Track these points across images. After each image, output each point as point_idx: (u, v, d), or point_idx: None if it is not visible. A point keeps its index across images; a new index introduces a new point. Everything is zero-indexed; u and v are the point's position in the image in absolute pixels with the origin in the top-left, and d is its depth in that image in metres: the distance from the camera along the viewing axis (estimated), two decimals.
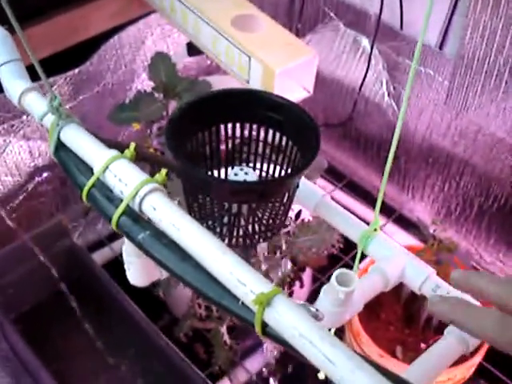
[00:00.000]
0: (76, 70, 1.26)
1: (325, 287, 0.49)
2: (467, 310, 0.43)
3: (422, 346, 1.14)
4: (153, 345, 1.19)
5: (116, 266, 1.41)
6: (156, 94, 1.16)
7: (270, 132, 0.59)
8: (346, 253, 1.34)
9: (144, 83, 1.41)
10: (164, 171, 0.48)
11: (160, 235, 0.46)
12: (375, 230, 0.58)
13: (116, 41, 1.32)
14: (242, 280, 0.40)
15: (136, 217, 0.48)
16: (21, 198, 1.33)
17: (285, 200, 0.54)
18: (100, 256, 1.45)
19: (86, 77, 1.29)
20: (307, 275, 1.35)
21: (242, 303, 0.41)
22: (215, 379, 1.23)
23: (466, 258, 1.26)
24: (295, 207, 1.14)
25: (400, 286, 1.13)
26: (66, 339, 1.30)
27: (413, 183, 1.55)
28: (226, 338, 1.12)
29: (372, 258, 0.59)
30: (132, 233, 0.47)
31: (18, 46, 0.68)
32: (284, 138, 0.58)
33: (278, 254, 1.08)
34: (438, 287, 0.55)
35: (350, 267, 1.45)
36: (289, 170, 0.59)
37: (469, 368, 1.10)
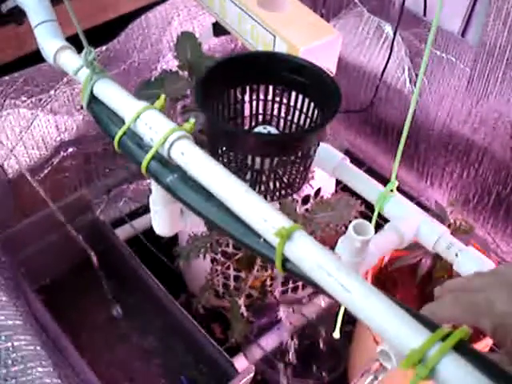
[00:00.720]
0: (103, 47, 1.29)
1: (342, 238, 0.51)
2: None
3: None
4: (173, 318, 1.21)
5: (136, 243, 1.44)
6: (181, 73, 1.18)
7: (293, 94, 0.61)
8: None
9: (169, 63, 1.44)
10: (192, 120, 0.50)
11: (187, 178, 0.49)
12: (391, 191, 0.60)
13: (143, 20, 1.35)
14: (264, 216, 0.42)
15: (165, 161, 0.51)
16: (46, 171, 1.37)
17: (304, 157, 0.57)
18: (121, 233, 1.48)
19: (112, 54, 1.32)
20: None
21: (264, 240, 0.43)
22: (231, 355, 1.25)
23: (483, 242, 1.27)
24: (314, 184, 1.16)
25: (415, 266, 1.15)
26: (87, 312, 1.33)
27: (431, 170, 1.56)
28: (243, 309, 1.14)
29: (388, 217, 0.61)
30: (161, 176, 0.50)
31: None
32: (306, 100, 0.60)
33: None
34: (452, 245, 0.56)
35: None
36: None
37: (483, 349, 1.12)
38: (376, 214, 0.60)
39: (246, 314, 1.14)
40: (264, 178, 0.57)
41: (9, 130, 1.25)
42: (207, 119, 0.55)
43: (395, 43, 1.44)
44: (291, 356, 1.31)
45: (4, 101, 1.21)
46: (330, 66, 1.09)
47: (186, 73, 1.18)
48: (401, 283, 1.20)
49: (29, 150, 1.30)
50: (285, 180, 0.58)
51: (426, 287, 1.17)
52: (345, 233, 1.11)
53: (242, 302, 1.14)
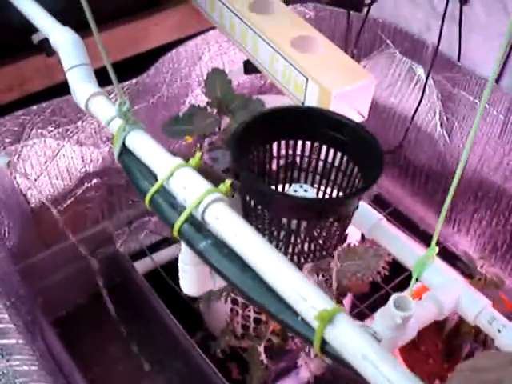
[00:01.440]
0: (133, 81, 1.28)
1: (381, 310, 0.48)
2: None
3: None
4: (189, 359, 1.19)
5: (156, 276, 1.41)
6: (209, 109, 1.17)
7: (331, 151, 0.59)
8: (386, 281, 1.32)
9: (198, 98, 1.43)
10: (228, 182, 0.48)
11: (221, 245, 0.46)
12: (432, 257, 0.57)
13: (174, 54, 1.35)
14: (304, 295, 0.40)
15: (198, 225, 0.48)
16: (69, 201, 1.36)
17: (344, 220, 0.54)
18: (141, 266, 1.46)
19: (142, 88, 1.31)
20: (347, 301, 1.34)
21: (302, 319, 0.40)
22: None
23: None
24: None
25: (443, 319, 1.11)
26: (102, 345, 1.31)
27: (460, 216, 1.53)
28: (263, 357, 1.11)
29: (426, 285, 0.58)
30: (194, 241, 0.47)
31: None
32: (345, 158, 0.58)
33: (320, 276, 1.07)
34: (494, 319, 0.53)
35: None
36: (347, 190, 0.58)
37: None
38: (413, 282, 0.57)
39: (265, 361, 1.11)
40: (299, 240, 0.54)
41: (34, 160, 1.24)
42: (242, 177, 0.53)
43: (427, 86, 1.42)
44: None
45: (31, 130, 1.20)
46: (362, 109, 1.07)
47: (214, 110, 1.16)
48: (427, 336, 1.16)
49: (53, 180, 1.29)
50: (320, 242, 0.56)
51: (453, 341, 1.13)
52: (371, 282, 1.09)
53: (261, 348, 1.11)
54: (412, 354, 1.13)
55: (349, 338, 0.37)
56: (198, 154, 0.51)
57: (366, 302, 1.42)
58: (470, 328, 1.09)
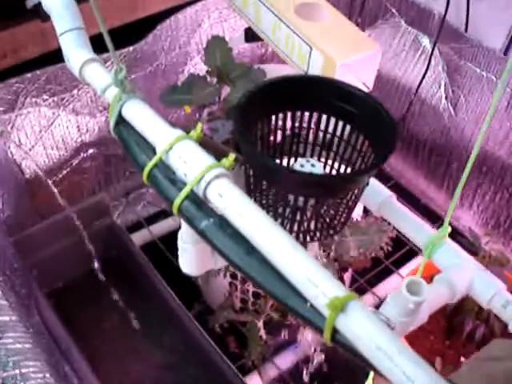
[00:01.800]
0: (130, 48, 1.25)
1: (392, 295, 0.45)
2: None
3: (462, 359, 1.10)
4: (185, 332, 1.17)
5: (153, 248, 1.39)
6: (209, 78, 1.13)
7: (340, 124, 0.56)
8: (389, 256, 1.30)
9: (197, 67, 1.39)
10: (232, 156, 0.45)
11: (224, 224, 0.43)
12: (443, 236, 0.54)
13: (172, 21, 1.30)
14: (314, 280, 0.37)
15: (200, 203, 0.45)
16: (64, 172, 1.33)
17: (353, 197, 0.51)
18: (138, 238, 1.44)
19: (139, 55, 1.27)
20: (347, 276, 1.32)
21: (311, 305, 0.38)
22: (245, 373, 1.20)
23: None
24: None
25: None
26: (99, 318, 1.29)
27: (463, 191, 1.50)
28: (262, 332, 1.09)
29: (438, 266, 0.55)
30: (195, 219, 0.44)
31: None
32: (355, 131, 0.55)
33: (321, 251, 1.05)
34: (509, 304, 0.51)
35: (391, 271, 1.41)
36: (357, 166, 0.55)
37: None
38: (424, 262, 0.55)
39: (264, 336, 1.09)
40: (305, 218, 0.51)
41: (28, 129, 1.21)
42: (247, 151, 0.50)
43: (433, 57, 1.38)
44: (307, 377, 1.26)
45: (25, 99, 1.17)
46: (367, 80, 1.04)
47: (214, 79, 1.13)
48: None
49: (48, 150, 1.26)
50: (327, 220, 0.53)
51: (455, 319, 1.11)
52: (374, 258, 1.07)
53: (261, 323, 1.09)
54: (413, 330, 1.11)
55: (362, 328, 0.34)
56: (199, 125, 0.48)
57: (365, 277, 1.40)
58: (473, 305, 1.07)
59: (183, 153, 0.46)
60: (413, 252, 1.33)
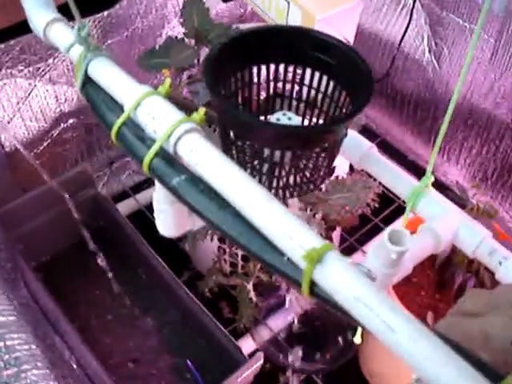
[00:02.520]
0: (105, 13, 1.22)
1: (374, 245, 0.44)
2: None
3: None
4: (176, 299, 1.17)
5: (140, 217, 1.38)
6: (187, 40, 1.11)
7: (317, 75, 0.54)
8: (375, 213, 1.29)
9: (175, 30, 1.36)
10: (203, 110, 0.43)
11: (197, 180, 0.42)
12: (426, 187, 0.53)
13: None
14: (290, 232, 0.35)
15: (170, 159, 0.43)
16: (45, 144, 1.31)
17: (331, 149, 0.50)
18: (124, 207, 1.42)
19: (114, 20, 1.24)
20: (336, 235, 1.31)
21: (288, 259, 0.36)
22: (238, 336, 1.20)
23: (505, 224, 1.21)
24: None
25: None
26: (86, 289, 1.28)
27: (449, 145, 1.49)
28: (252, 295, 1.08)
29: (422, 216, 0.54)
30: (166, 177, 0.43)
31: None
32: (332, 82, 0.53)
33: (308, 210, 1.03)
34: (494, 251, 0.50)
35: (380, 229, 1.40)
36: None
37: None
38: (407, 212, 0.54)
39: (254, 299, 1.09)
40: (283, 173, 0.50)
41: (5, 102, 1.18)
42: (218, 104, 0.48)
43: (414, 10, 1.36)
44: (299, 338, 1.26)
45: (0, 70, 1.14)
46: (347, 35, 1.02)
47: (192, 41, 1.10)
48: (418, 267, 1.13)
49: (27, 122, 1.24)
50: (307, 174, 0.51)
51: (445, 272, 1.11)
52: (363, 217, 1.06)
53: (250, 286, 1.08)
54: (403, 286, 1.11)
55: (340, 279, 0.33)
56: (168, 80, 0.46)
57: (354, 235, 1.40)
58: (463, 258, 1.07)
59: (151, 109, 0.44)
60: (402, 209, 1.32)
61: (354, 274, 0.33)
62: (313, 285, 0.35)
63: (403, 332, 0.31)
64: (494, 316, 0.39)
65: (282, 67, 0.55)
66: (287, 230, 0.36)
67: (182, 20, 1.08)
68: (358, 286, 0.32)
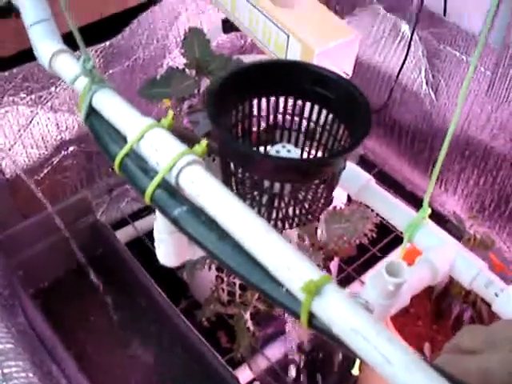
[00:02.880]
0: (107, 43, 1.24)
1: (371, 277, 0.45)
2: None
3: None
4: (173, 327, 1.17)
5: (139, 245, 1.38)
6: (188, 71, 1.12)
7: (316, 108, 0.55)
8: (373, 243, 1.30)
9: (176, 60, 1.38)
10: (204, 142, 0.44)
11: (198, 211, 0.42)
12: (423, 218, 0.54)
13: (149, 15, 1.29)
14: (288, 264, 0.36)
15: (172, 191, 0.44)
16: (45, 171, 1.31)
17: (330, 181, 0.51)
18: (123, 235, 1.43)
19: (116, 50, 1.26)
20: (334, 265, 1.31)
21: (287, 290, 0.37)
22: (235, 365, 1.20)
23: (502, 255, 1.21)
24: None
25: None
26: (84, 317, 1.28)
27: (447, 176, 1.50)
28: (250, 324, 1.08)
29: (419, 248, 0.54)
30: (167, 207, 0.44)
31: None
32: (331, 116, 0.54)
33: (306, 241, 1.04)
34: (491, 283, 0.50)
35: (378, 258, 1.40)
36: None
37: None
38: (404, 244, 0.54)
39: (252, 328, 1.09)
40: (283, 204, 0.51)
41: (7, 129, 1.19)
42: (219, 136, 0.49)
43: (412, 43, 1.38)
44: (297, 369, 1.26)
45: (2, 98, 1.15)
46: (346, 67, 1.03)
47: (193, 71, 1.12)
48: (415, 298, 1.13)
49: (28, 149, 1.25)
50: (305, 205, 0.52)
51: (442, 303, 1.11)
52: (361, 246, 1.06)
53: (248, 315, 1.08)
54: (401, 316, 1.11)
55: (338, 311, 0.34)
56: (171, 112, 0.47)
57: (352, 265, 1.40)
58: (460, 289, 1.07)
59: (154, 141, 0.45)
60: (399, 239, 1.33)
61: (352, 305, 0.34)
62: (311, 316, 0.35)
63: (400, 364, 0.31)
64: (492, 353, 0.39)
65: (282, 100, 0.56)
66: (285, 261, 0.36)
67: (183, 51, 1.10)
68: (356, 317, 0.33)
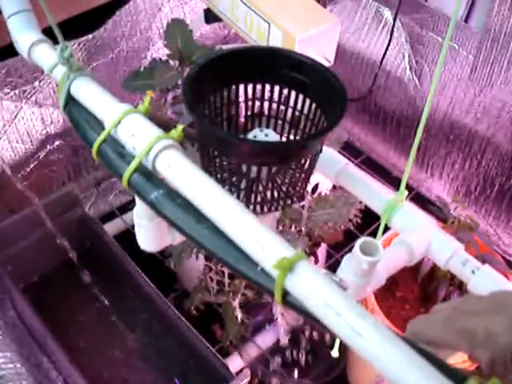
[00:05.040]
0: (90, 36, 1.23)
1: (347, 256, 0.45)
2: None
3: None
4: (163, 317, 1.17)
5: (127, 237, 1.39)
6: (171, 62, 1.12)
7: (293, 94, 0.55)
8: (361, 230, 1.31)
9: (160, 51, 1.38)
10: (181, 126, 0.44)
11: (174, 195, 0.43)
12: (400, 200, 0.55)
13: (132, 7, 1.29)
14: (262, 243, 0.37)
15: (149, 175, 0.45)
16: (32, 165, 1.31)
17: (306, 165, 0.51)
18: (111, 227, 1.43)
19: (99, 43, 1.26)
20: (322, 251, 1.32)
21: (262, 269, 0.38)
22: (226, 354, 1.21)
23: (486, 237, 1.22)
24: (312, 180, 1.11)
25: (417, 264, 1.10)
26: (74, 309, 1.28)
27: (432, 161, 1.51)
28: (238, 312, 1.09)
29: (396, 229, 0.55)
30: (144, 191, 0.44)
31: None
32: (308, 101, 0.55)
33: (293, 227, 1.05)
34: (467, 262, 0.51)
35: None
36: None
37: None
38: (382, 226, 0.55)
39: (240, 315, 1.10)
40: (261, 188, 0.51)
41: None
42: (197, 122, 0.49)
43: (395, 29, 1.39)
44: (287, 355, 1.27)
45: None
46: (327, 54, 1.04)
47: (176, 62, 1.12)
48: (402, 281, 1.16)
49: (13, 143, 1.25)
50: (283, 189, 0.53)
51: (428, 286, 1.12)
52: (344, 232, 1.07)
53: (236, 303, 1.09)
54: (387, 300, 1.12)
55: (310, 286, 0.34)
56: (147, 98, 0.48)
57: (341, 252, 1.41)
58: (445, 272, 1.08)
59: (131, 126, 0.46)
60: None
61: (324, 281, 0.34)
62: (285, 293, 0.36)
63: (370, 337, 0.32)
64: (499, 316, 0.39)
65: (259, 87, 0.56)
66: (260, 240, 0.37)
67: (165, 42, 1.10)
68: (328, 293, 0.34)
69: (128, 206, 1.51)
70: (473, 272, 0.50)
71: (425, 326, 0.43)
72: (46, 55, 0.56)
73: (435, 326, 0.42)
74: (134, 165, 0.44)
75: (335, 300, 0.33)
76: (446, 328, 0.41)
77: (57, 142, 1.33)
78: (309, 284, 0.34)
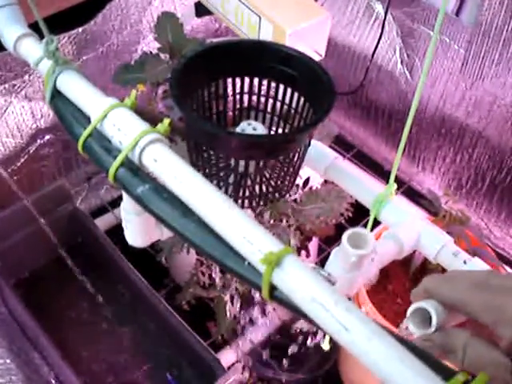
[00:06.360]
0: (80, 29, 1.22)
1: (335, 249, 0.45)
2: None
3: None
4: (154, 312, 1.17)
5: (119, 232, 1.38)
6: (162, 56, 1.12)
7: (281, 87, 0.55)
8: (353, 224, 1.30)
9: (150, 45, 1.37)
10: (167, 120, 0.44)
11: (161, 189, 0.43)
12: (390, 194, 0.55)
13: (122, 0, 1.28)
14: (249, 238, 0.36)
15: (135, 169, 0.44)
16: (22, 160, 1.30)
17: (294, 159, 0.51)
18: (102, 222, 1.43)
19: (89, 36, 1.25)
20: (313, 245, 1.32)
21: (249, 263, 0.37)
22: (218, 348, 1.21)
23: (477, 231, 1.23)
24: (303, 174, 1.11)
25: (409, 258, 1.10)
26: (66, 305, 1.28)
27: (423, 154, 1.51)
28: (229, 306, 1.09)
29: (385, 223, 0.55)
30: (130, 186, 0.44)
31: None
32: (296, 94, 0.54)
33: (284, 222, 1.04)
34: (457, 254, 0.51)
35: None
36: None
37: None
38: (372, 219, 0.55)
39: (232, 310, 1.09)
40: (249, 182, 0.51)
41: None
42: (184, 115, 0.49)
43: (386, 23, 1.38)
44: (279, 349, 1.27)
45: None
46: (318, 48, 1.03)
47: (167, 56, 1.12)
48: (393, 275, 1.16)
49: (3, 138, 1.24)
50: (272, 183, 0.53)
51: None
52: (336, 226, 1.07)
53: (228, 298, 1.09)
54: (379, 294, 1.12)
55: (297, 281, 0.34)
56: (134, 92, 0.47)
57: (333, 245, 1.41)
58: (437, 265, 1.08)
59: (117, 120, 0.46)
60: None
61: (311, 276, 0.34)
62: (273, 288, 0.36)
63: (358, 331, 0.32)
64: None
65: (248, 80, 0.56)
66: (247, 235, 0.37)
67: (156, 35, 1.10)
68: (315, 287, 0.33)
69: (119, 201, 1.50)
70: (464, 262, 0.50)
71: (443, 286, 0.43)
72: (31, 49, 0.55)
73: (457, 290, 0.41)
74: (120, 159, 0.44)
75: (322, 295, 0.33)
76: (470, 296, 0.40)
77: (47, 137, 1.32)
78: (296, 279, 0.34)
